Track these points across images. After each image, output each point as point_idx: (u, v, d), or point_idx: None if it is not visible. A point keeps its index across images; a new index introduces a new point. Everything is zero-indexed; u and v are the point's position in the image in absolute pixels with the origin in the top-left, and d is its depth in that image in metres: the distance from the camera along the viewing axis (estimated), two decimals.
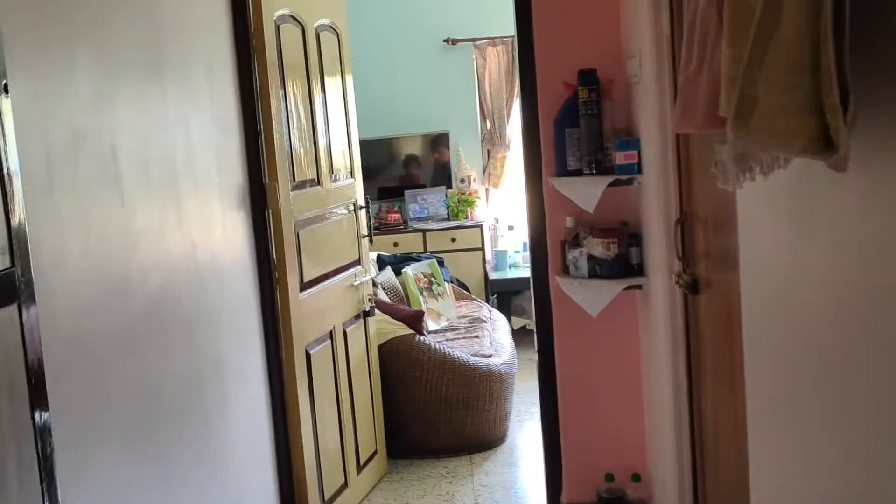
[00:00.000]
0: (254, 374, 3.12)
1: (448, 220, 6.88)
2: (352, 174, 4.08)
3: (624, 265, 3.10)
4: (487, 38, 6.85)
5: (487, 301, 6.47)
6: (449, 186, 6.99)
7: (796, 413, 1.69)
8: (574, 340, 3.35)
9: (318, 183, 3.69)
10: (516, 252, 6.83)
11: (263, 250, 3.25)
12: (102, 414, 1.94)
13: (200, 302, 2.61)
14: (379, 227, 6.72)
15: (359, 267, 4.07)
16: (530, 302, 6.75)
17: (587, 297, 3.11)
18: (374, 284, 5.06)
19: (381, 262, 5.69)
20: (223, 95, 2.99)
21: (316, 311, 3.57)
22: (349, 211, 4.02)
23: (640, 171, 3.00)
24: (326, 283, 3.71)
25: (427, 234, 6.66)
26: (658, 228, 2.83)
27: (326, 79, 3.82)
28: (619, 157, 3.01)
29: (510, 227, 6.95)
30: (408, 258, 5.84)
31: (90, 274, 1.89)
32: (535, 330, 3.49)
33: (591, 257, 3.11)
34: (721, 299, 2.40)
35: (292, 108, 3.45)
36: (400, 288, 5.36)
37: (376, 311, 4.31)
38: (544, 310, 3.34)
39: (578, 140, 3.10)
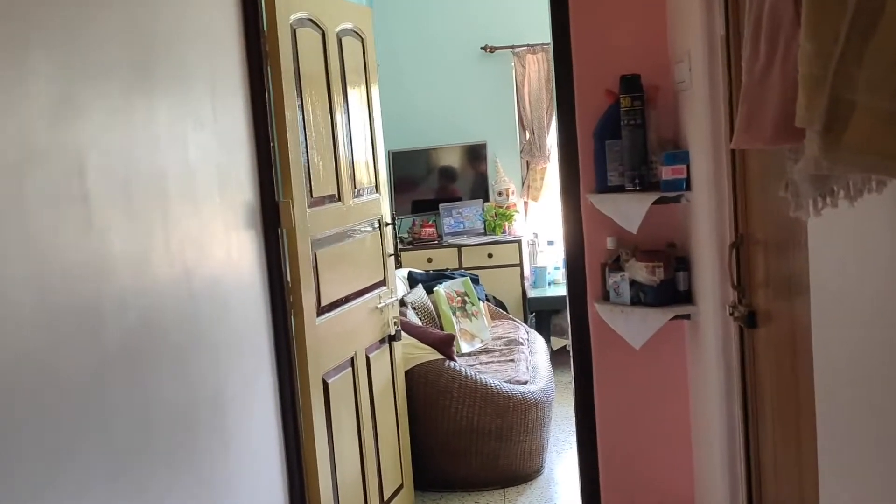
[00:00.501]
0: (263, 407, 2.87)
1: (485, 234, 6.60)
2: (377, 189, 3.82)
3: (670, 292, 2.79)
4: (527, 46, 6.57)
5: (525, 320, 6.17)
6: (486, 199, 6.71)
7: (881, 458, 1.38)
8: (615, 372, 3.04)
9: (339, 199, 3.43)
10: (556, 269, 6.53)
11: (276, 272, 3.00)
12: (68, 465, 1.70)
13: (195, 331, 2.36)
14: (413, 242, 6.47)
15: (384, 288, 3.81)
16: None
17: (629, 326, 2.80)
18: (403, 304, 4.80)
19: (413, 280, 5.43)
20: (231, 106, 2.75)
21: (335, 337, 3.32)
22: (374, 228, 3.77)
23: (688, 187, 2.70)
24: (347, 306, 3.45)
25: (462, 249, 6.38)
26: (710, 252, 2.52)
27: (349, 87, 3.57)
28: (666, 172, 2.70)
29: (550, 243, 6.65)
30: (441, 275, 5.58)
31: (46, 309, 1.64)
32: (571, 358, 3.18)
33: (633, 282, 2.81)
34: (784, 333, 2.10)
35: (310, 118, 3.21)
36: (431, 307, 5.09)
37: (403, 334, 4.05)
38: (582, 338, 3.04)
39: (620, 153, 2.81)
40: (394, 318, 3.87)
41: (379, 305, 3.71)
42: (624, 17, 2.92)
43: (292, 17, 3.10)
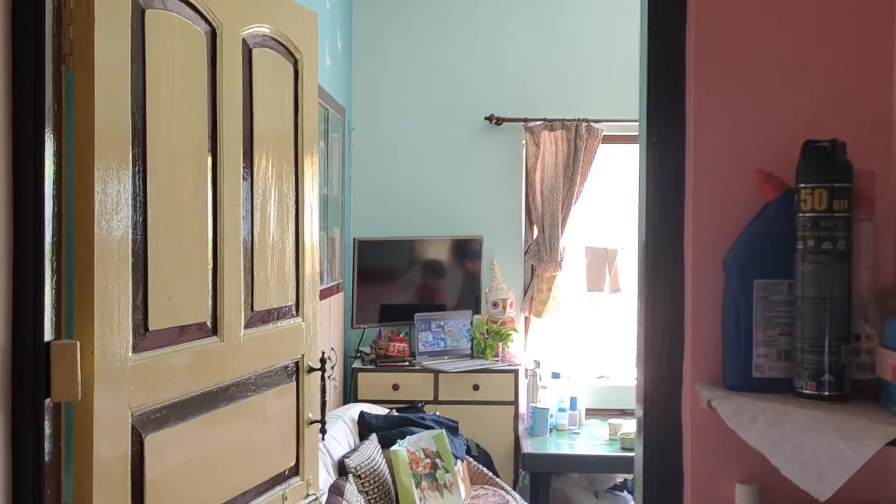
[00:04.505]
0: None
1: (471, 357, 5.01)
2: (297, 310, 2.26)
3: None
4: (543, 120, 5.12)
5: (515, 484, 4.55)
6: (476, 311, 5.15)
7: None
8: None
9: (214, 331, 1.88)
10: (561, 410, 4.92)
11: (34, 490, 1.43)
12: None
13: None
14: (375, 362, 4.88)
15: (295, 480, 2.22)
16: (576, 487, 4.86)
17: None
18: (344, 470, 3.22)
19: (365, 425, 3.83)
20: None
21: None
22: (287, 377, 2.20)
23: None
24: None
25: (440, 376, 4.78)
26: None
27: (258, 137, 2.05)
28: None
29: (555, 376, 5.06)
30: (406, 420, 3.97)
31: None
32: None
33: None
34: None
35: (160, 181, 1.68)
36: (386, 474, 3.47)
37: None
38: None
39: (790, 309, 1.28)
40: None
41: None
42: (798, 40, 1.43)
43: None
